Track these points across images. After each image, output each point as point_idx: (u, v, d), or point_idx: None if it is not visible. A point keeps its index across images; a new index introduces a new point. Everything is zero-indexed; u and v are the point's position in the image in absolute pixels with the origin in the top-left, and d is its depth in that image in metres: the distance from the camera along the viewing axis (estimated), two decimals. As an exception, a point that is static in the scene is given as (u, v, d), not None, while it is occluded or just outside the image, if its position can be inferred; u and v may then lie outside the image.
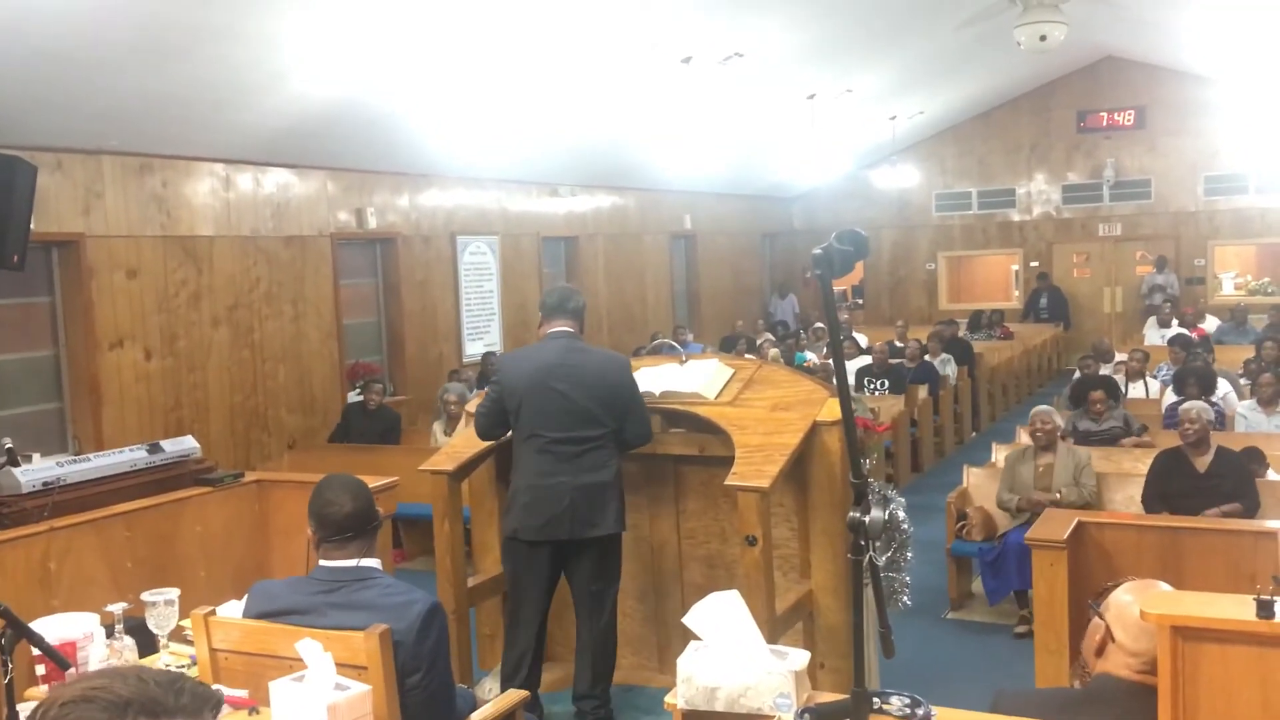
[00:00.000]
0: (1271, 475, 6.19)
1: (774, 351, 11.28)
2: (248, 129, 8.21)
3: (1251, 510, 5.67)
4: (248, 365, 8.86)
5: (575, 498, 4.40)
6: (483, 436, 4.71)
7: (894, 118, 15.63)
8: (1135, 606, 2.47)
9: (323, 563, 3.12)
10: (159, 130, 7.72)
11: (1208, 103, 16.20)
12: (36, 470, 4.84)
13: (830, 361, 10.38)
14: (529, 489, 4.48)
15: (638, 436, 4.58)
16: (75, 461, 5.04)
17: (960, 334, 13.54)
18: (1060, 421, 6.57)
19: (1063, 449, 6.32)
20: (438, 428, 8.51)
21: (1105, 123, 17.10)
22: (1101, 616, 2.53)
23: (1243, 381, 8.97)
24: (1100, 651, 2.48)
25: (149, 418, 7.97)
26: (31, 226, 6.67)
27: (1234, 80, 15.42)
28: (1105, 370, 9.83)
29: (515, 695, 3.50)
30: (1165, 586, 2.59)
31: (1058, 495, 6.05)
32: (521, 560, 4.55)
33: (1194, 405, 6.12)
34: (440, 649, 3.06)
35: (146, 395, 8.01)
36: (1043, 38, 10.79)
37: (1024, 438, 7.29)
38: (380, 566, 3.16)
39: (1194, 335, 11.42)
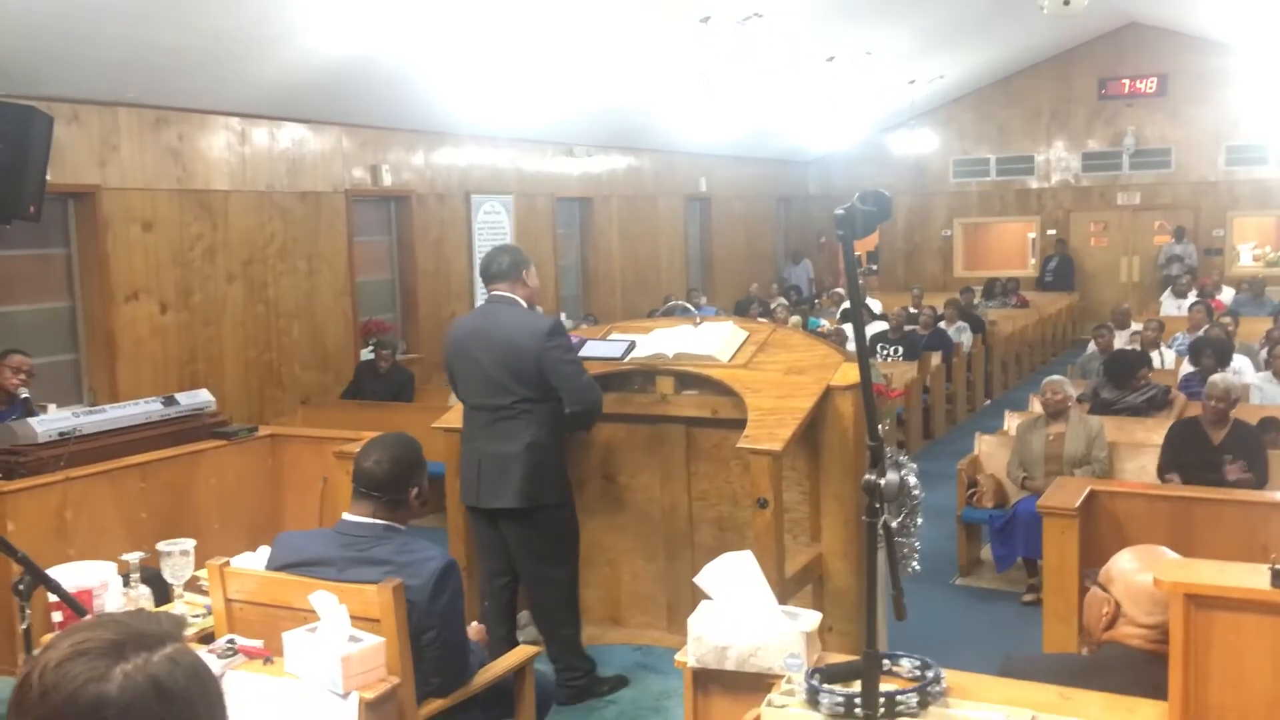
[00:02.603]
0: (1286, 447, 6.15)
1: (795, 319, 11.25)
2: (263, 83, 8.18)
3: (1259, 484, 5.65)
4: (262, 321, 8.87)
5: (484, 465, 4.37)
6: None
7: (913, 82, 15.48)
8: (1141, 575, 2.45)
9: (345, 516, 3.15)
10: (175, 83, 7.69)
11: (1231, 72, 15.99)
12: (52, 420, 4.87)
13: (843, 327, 10.38)
14: (461, 451, 4.57)
15: (572, 405, 4.32)
16: (91, 412, 5.05)
17: (974, 302, 13.47)
18: (1072, 391, 6.53)
19: (1074, 418, 6.30)
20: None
21: (1127, 90, 16.91)
22: (1104, 588, 2.52)
23: (1262, 355, 8.90)
24: (1110, 626, 2.48)
25: (164, 371, 8.01)
26: (47, 178, 6.67)
27: (1257, 49, 15.21)
28: (1121, 338, 9.78)
29: (527, 650, 3.53)
30: (1168, 551, 2.58)
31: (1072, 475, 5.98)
32: (468, 520, 4.66)
33: (1222, 381, 6.01)
34: (454, 606, 3.08)
35: (161, 348, 8.04)
36: (1066, 2, 10.63)
37: (1036, 406, 7.27)
38: (401, 527, 3.18)
39: (1211, 306, 11.33)
